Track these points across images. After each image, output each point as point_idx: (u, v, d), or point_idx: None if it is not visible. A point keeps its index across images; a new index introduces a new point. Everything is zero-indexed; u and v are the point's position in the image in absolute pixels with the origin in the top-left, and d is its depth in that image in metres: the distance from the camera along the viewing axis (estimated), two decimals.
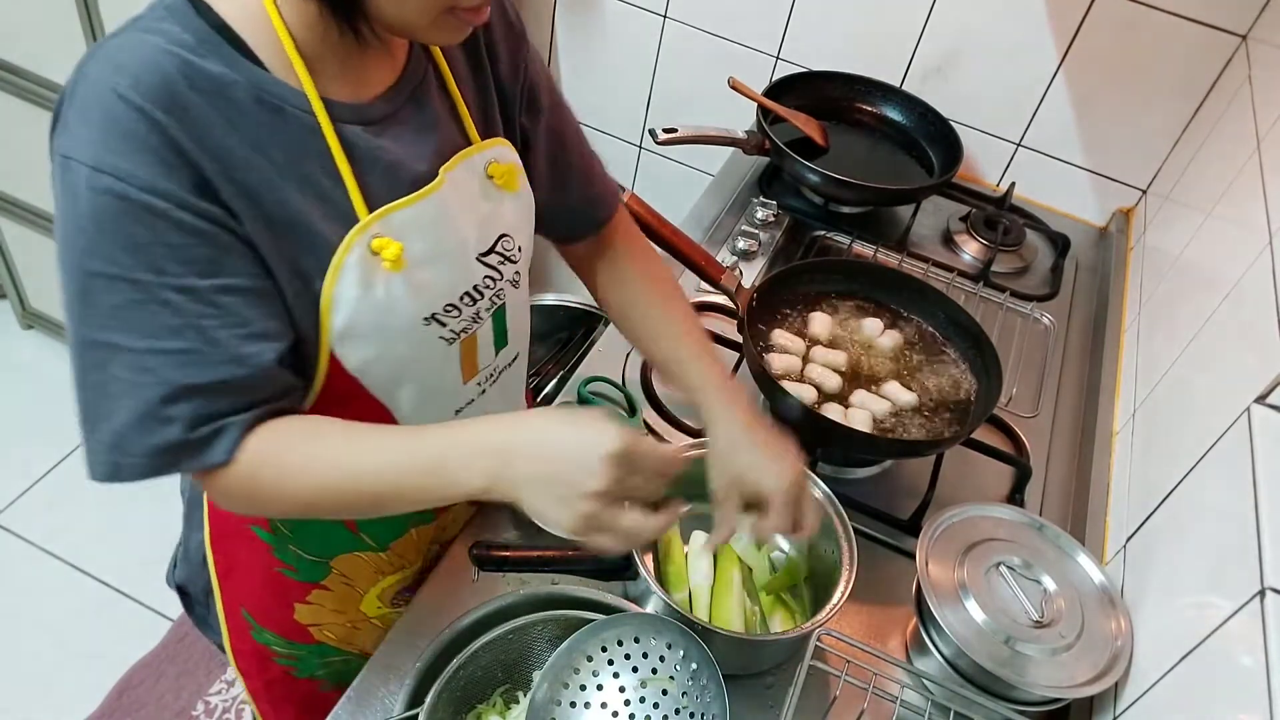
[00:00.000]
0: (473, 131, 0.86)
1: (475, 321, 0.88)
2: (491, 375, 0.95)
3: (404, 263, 0.78)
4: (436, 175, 0.81)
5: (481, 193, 0.86)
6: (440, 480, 0.74)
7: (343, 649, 1.09)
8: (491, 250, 0.88)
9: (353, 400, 0.82)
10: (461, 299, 0.85)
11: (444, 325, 0.84)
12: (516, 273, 0.92)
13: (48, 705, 1.87)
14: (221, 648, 1.08)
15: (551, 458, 0.71)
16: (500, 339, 0.93)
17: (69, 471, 2.24)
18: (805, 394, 1.15)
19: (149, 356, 0.70)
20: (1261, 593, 0.73)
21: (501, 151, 0.89)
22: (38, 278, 2.35)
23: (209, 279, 0.70)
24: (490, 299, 0.89)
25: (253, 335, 0.73)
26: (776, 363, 1.19)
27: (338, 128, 0.75)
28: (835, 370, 1.19)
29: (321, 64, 0.74)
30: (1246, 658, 0.71)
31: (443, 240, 0.82)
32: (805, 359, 1.21)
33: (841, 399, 1.17)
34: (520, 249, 0.91)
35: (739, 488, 0.91)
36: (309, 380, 0.80)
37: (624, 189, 1.19)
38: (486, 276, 0.88)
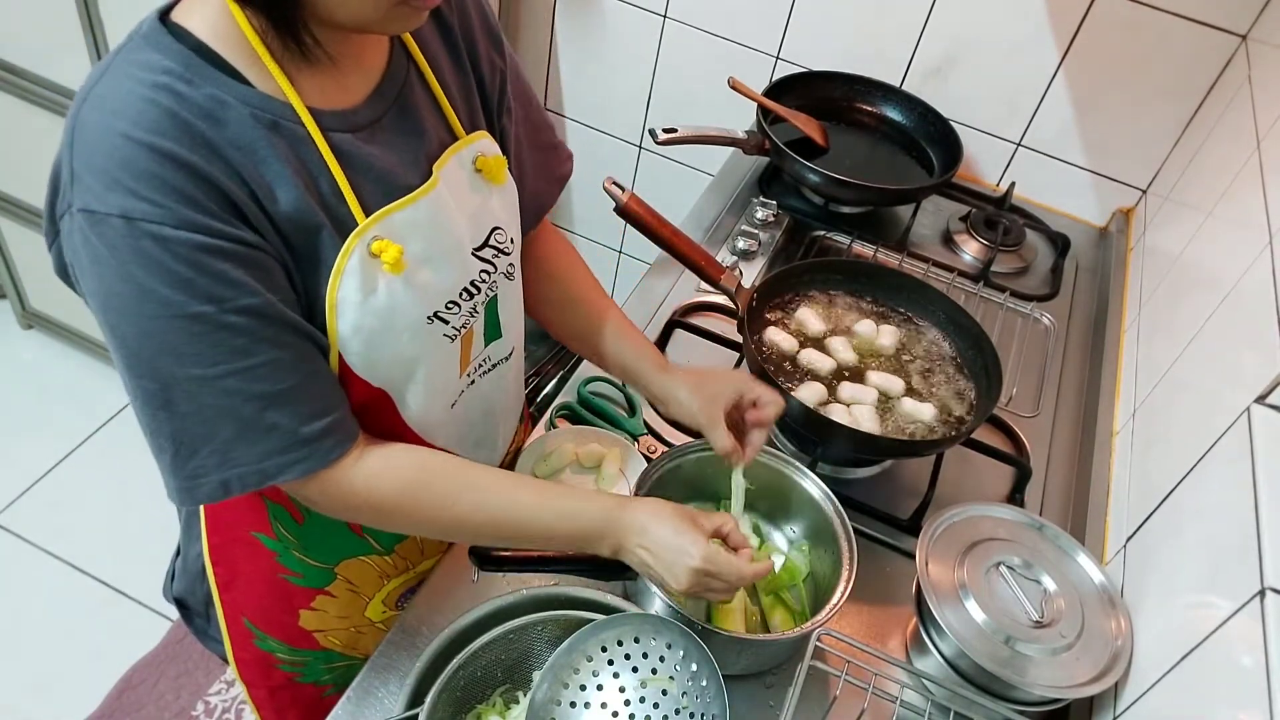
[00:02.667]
0: (458, 126, 0.86)
1: (472, 316, 0.89)
2: (480, 366, 0.95)
3: (404, 264, 0.78)
4: (428, 175, 0.82)
5: (470, 187, 0.87)
6: (578, 544, 0.87)
7: (347, 654, 1.09)
8: (485, 244, 0.88)
9: (367, 402, 0.83)
10: (460, 295, 0.86)
11: (446, 323, 0.85)
12: (510, 265, 0.92)
13: (48, 705, 1.87)
14: (224, 658, 1.08)
15: (656, 542, 0.84)
16: (493, 330, 0.94)
17: (69, 471, 2.24)
18: (810, 394, 1.15)
19: (230, 379, 0.71)
20: (1261, 593, 0.73)
21: (486, 144, 0.89)
22: (38, 278, 2.35)
23: (259, 296, 0.71)
24: (485, 292, 0.89)
25: (308, 339, 0.76)
26: (776, 362, 1.19)
27: (327, 136, 0.75)
28: (835, 369, 1.20)
29: (300, 75, 0.74)
30: (1246, 658, 0.71)
31: (440, 239, 0.83)
32: (804, 359, 1.21)
33: (839, 396, 1.17)
34: (512, 241, 0.92)
35: (721, 404, 0.99)
36: None
37: (624, 189, 1.20)
38: (482, 271, 0.88)
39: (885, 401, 1.17)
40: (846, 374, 1.19)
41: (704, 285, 1.26)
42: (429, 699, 0.81)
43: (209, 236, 0.68)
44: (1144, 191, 1.67)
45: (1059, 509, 1.23)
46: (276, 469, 0.75)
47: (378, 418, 0.85)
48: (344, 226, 0.76)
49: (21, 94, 1.88)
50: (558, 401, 1.21)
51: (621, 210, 1.20)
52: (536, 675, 0.87)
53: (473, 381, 0.95)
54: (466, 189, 0.86)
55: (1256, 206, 1.09)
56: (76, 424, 2.33)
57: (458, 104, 0.87)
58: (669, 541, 0.83)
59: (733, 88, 1.59)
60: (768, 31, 1.77)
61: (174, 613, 1.99)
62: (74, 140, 0.67)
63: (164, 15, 0.71)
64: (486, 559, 0.92)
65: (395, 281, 0.79)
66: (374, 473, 0.81)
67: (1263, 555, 0.75)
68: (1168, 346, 1.21)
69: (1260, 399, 0.88)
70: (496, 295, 0.92)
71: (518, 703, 0.90)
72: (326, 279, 0.76)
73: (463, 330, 0.88)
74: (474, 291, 0.88)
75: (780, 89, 1.65)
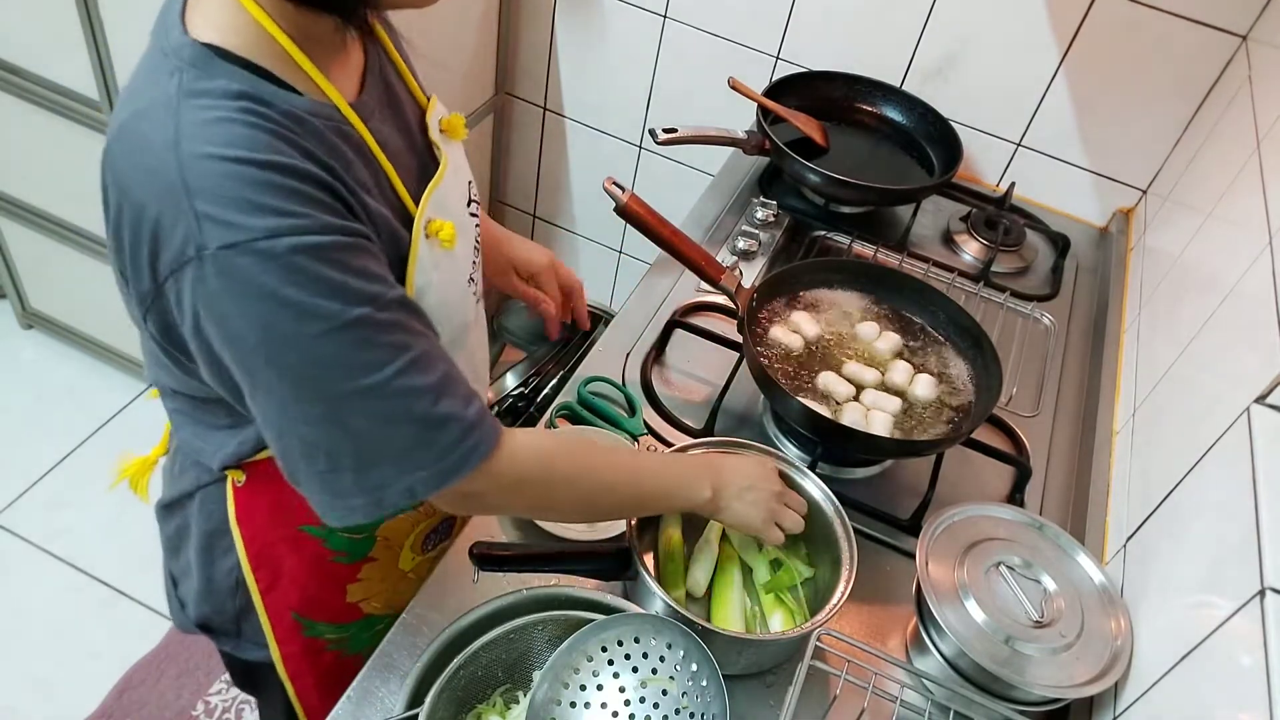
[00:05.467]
0: (419, 94, 0.90)
1: (475, 269, 0.94)
2: (476, 303, 1.00)
3: (456, 239, 0.82)
4: (420, 146, 0.86)
5: (444, 147, 0.89)
6: (680, 489, 0.93)
7: (386, 614, 1.11)
8: (470, 199, 0.93)
9: None
10: (474, 252, 0.92)
11: (474, 283, 0.91)
12: (477, 207, 0.98)
13: (48, 705, 1.87)
14: (264, 664, 1.07)
15: (746, 473, 0.97)
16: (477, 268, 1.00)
17: (69, 471, 2.24)
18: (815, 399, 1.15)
19: (398, 379, 0.70)
20: (1261, 593, 0.73)
21: (441, 107, 0.92)
22: (38, 278, 2.35)
23: (397, 288, 0.73)
24: (477, 243, 0.95)
25: (428, 322, 0.77)
26: (776, 362, 1.19)
27: (368, 128, 0.77)
28: (837, 370, 1.20)
29: (326, 73, 0.74)
30: (1246, 658, 0.71)
31: (457, 205, 0.88)
32: (805, 359, 1.21)
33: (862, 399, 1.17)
34: (474, 187, 0.97)
35: (511, 269, 1.19)
36: None
37: (624, 189, 1.20)
38: (475, 225, 0.93)
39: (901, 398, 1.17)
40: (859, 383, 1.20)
41: (704, 285, 1.26)
42: (429, 699, 0.81)
43: (346, 236, 0.68)
44: (1144, 192, 1.67)
45: (1059, 509, 1.23)
46: (458, 463, 0.74)
47: None
48: (403, 215, 0.79)
49: (22, 94, 1.88)
50: (558, 401, 1.21)
51: (621, 210, 1.20)
52: (537, 675, 0.87)
53: (474, 316, 1.00)
54: (444, 150, 0.90)
55: (1256, 207, 1.09)
56: (76, 424, 2.33)
57: (413, 71, 0.90)
58: (753, 464, 0.98)
59: (733, 88, 1.59)
60: (768, 31, 1.77)
61: None
62: (188, 185, 0.64)
63: (184, 17, 0.70)
64: (487, 559, 0.92)
65: (447, 256, 0.83)
66: (520, 444, 0.80)
67: (1263, 555, 0.75)
68: (1168, 346, 1.21)
69: (1260, 399, 0.88)
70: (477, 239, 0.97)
71: (518, 703, 0.90)
72: (403, 270, 0.78)
73: (479, 287, 0.95)
74: (478, 247, 0.94)
75: (780, 89, 1.65)
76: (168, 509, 1.03)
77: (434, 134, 0.87)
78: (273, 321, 0.66)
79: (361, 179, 0.74)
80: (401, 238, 0.78)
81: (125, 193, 0.68)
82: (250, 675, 1.17)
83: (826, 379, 1.18)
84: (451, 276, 0.84)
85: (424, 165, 0.87)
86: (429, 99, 0.90)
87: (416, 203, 0.81)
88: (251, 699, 1.91)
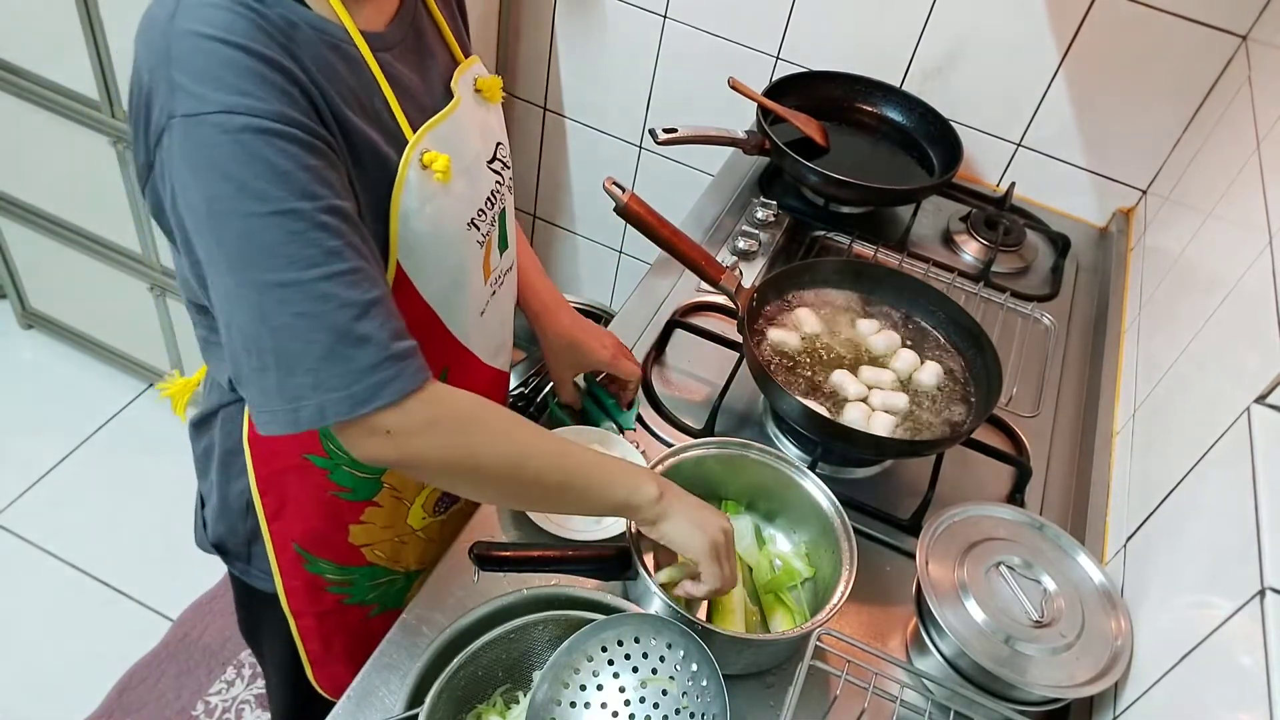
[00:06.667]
0: (457, 51, 0.94)
1: (492, 225, 0.96)
2: (499, 278, 1.02)
3: (451, 173, 0.84)
4: (444, 94, 0.89)
5: (476, 104, 0.94)
6: (622, 479, 0.88)
7: (391, 568, 1.13)
8: (494, 158, 0.96)
9: (408, 311, 0.84)
10: (485, 204, 0.93)
11: (478, 229, 0.92)
12: (510, 178, 1.00)
13: (48, 705, 1.87)
14: (268, 593, 1.10)
15: (701, 504, 0.92)
16: (503, 241, 1.01)
17: (69, 471, 2.24)
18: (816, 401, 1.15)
19: (323, 283, 0.72)
20: (1261, 593, 0.73)
21: (479, 68, 0.96)
22: (38, 278, 2.35)
23: (347, 200, 0.75)
24: (500, 203, 0.97)
25: (375, 257, 0.78)
26: (776, 362, 1.19)
27: (376, 57, 0.81)
28: (836, 369, 1.20)
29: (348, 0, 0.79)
30: (1246, 658, 0.71)
31: (468, 150, 0.90)
32: (805, 359, 1.21)
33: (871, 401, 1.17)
34: (508, 154, 1.00)
35: (573, 368, 1.19)
36: None
37: (624, 189, 1.20)
38: (495, 181, 0.95)
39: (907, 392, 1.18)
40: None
41: (704, 285, 1.26)
42: (429, 699, 0.81)
43: (304, 133, 0.71)
44: (1144, 191, 1.67)
45: (1059, 509, 1.23)
46: (370, 390, 0.74)
47: (426, 334, 0.89)
48: (396, 141, 0.82)
49: (22, 94, 1.88)
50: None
51: (621, 210, 1.20)
52: (537, 675, 0.87)
53: (494, 292, 1.02)
54: (474, 107, 0.93)
55: (1256, 206, 1.09)
56: (76, 424, 2.33)
57: (452, 31, 0.95)
58: (702, 505, 0.92)
59: (733, 88, 1.59)
60: (768, 31, 1.77)
61: (174, 613, 2.01)
62: (170, 55, 0.69)
63: None
64: (487, 559, 0.92)
65: (442, 190, 0.85)
66: (446, 394, 0.80)
67: (1263, 555, 0.75)
68: (1168, 346, 1.21)
69: (1260, 399, 0.88)
70: (504, 207, 0.99)
71: (518, 702, 0.90)
72: (385, 192, 0.81)
73: (487, 238, 0.95)
74: (494, 201, 0.95)
75: (780, 89, 1.65)
76: (197, 427, 1.06)
77: (455, 84, 0.90)
78: (217, 194, 0.70)
79: (347, 94, 0.77)
80: (389, 160, 0.81)
81: (136, 71, 0.74)
82: (257, 613, 1.19)
83: (841, 377, 1.18)
84: (445, 211, 0.86)
85: (440, 110, 0.90)
86: (467, 58, 0.95)
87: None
88: (251, 699, 1.91)
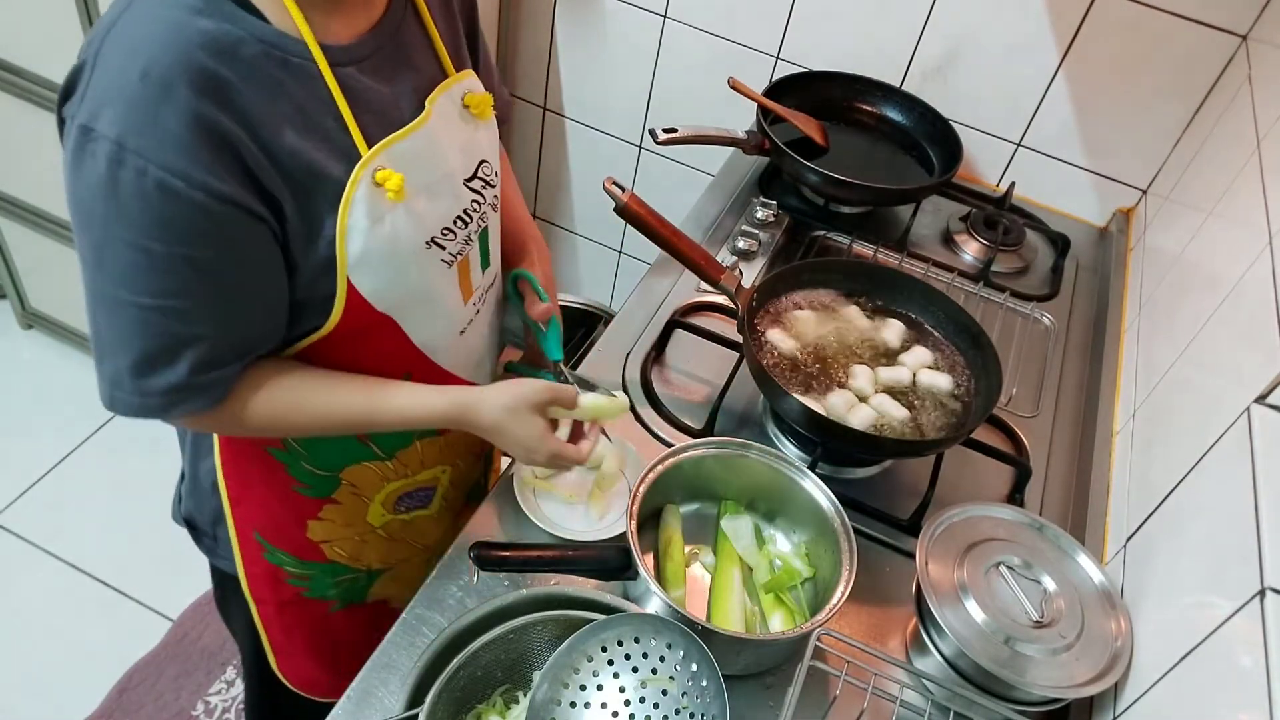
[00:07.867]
0: (448, 64, 0.92)
1: (467, 244, 0.94)
2: (482, 295, 1.01)
3: (405, 193, 0.83)
4: (420, 109, 0.87)
5: (460, 121, 0.92)
6: (412, 420, 0.92)
7: (352, 566, 1.14)
8: (474, 176, 0.94)
9: (371, 326, 0.88)
10: (455, 223, 0.92)
11: (443, 249, 0.91)
12: (495, 196, 0.99)
13: (48, 705, 1.87)
14: (230, 575, 1.11)
15: (493, 422, 0.94)
16: (485, 260, 1.00)
17: (69, 471, 2.24)
18: (818, 403, 1.15)
19: (153, 313, 0.76)
20: (1261, 593, 0.73)
21: (472, 83, 0.95)
22: (38, 278, 2.35)
23: (218, 250, 0.76)
24: (477, 222, 0.95)
25: (251, 298, 0.81)
26: (775, 361, 1.19)
27: (335, 71, 0.79)
28: (835, 368, 1.20)
29: (313, 10, 0.77)
30: (1246, 658, 0.71)
31: (435, 168, 0.88)
32: (805, 359, 1.21)
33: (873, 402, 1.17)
34: (496, 174, 0.98)
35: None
36: (328, 313, 0.86)
37: (624, 189, 1.20)
38: (473, 200, 0.94)
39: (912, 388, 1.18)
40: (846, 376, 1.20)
41: (704, 285, 1.26)
42: (429, 699, 0.81)
43: (191, 188, 0.71)
44: (1144, 191, 1.67)
45: (1059, 509, 1.23)
46: (161, 407, 0.82)
47: (382, 342, 0.91)
48: (348, 158, 0.80)
49: (21, 94, 1.88)
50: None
51: (621, 210, 1.20)
52: (536, 675, 0.87)
53: (478, 310, 1.02)
54: (457, 123, 0.92)
55: (1256, 206, 1.09)
56: (76, 424, 2.33)
57: (446, 43, 0.93)
58: (520, 439, 0.95)
59: (733, 88, 1.59)
60: (768, 31, 1.77)
61: (174, 613, 2.01)
62: (96, 63, 0.71)
63: None
64: (486, 559, 0.92)
65: (397, 209, 0.84)
66: (247, 401, 0.87)
67: (1263, 555, 0.75)
68: (1168, 346, 1.21)
69: (1260, 399, 0.88)
70: (487, 226, 0.98)
71: (518, 703, 0.90)
72: (332, 210, 0.80)
73: (458, 257, 0.94)
74: (467, 220, 0.94)
75: (780, 89, 1.65)
76: None
77: (432, 100, 0.88)
78: (86, 200, 0.73)
79: (290, 113, 0.76)
80: (331, 177, 0.80)
81: (86, 41, 0.75)
82: (227, 595, 1.20)
83: (841, 377, 1.19)
84: (400, 229, 0.85)
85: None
86: (458, 73, 0.93)
87: None
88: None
